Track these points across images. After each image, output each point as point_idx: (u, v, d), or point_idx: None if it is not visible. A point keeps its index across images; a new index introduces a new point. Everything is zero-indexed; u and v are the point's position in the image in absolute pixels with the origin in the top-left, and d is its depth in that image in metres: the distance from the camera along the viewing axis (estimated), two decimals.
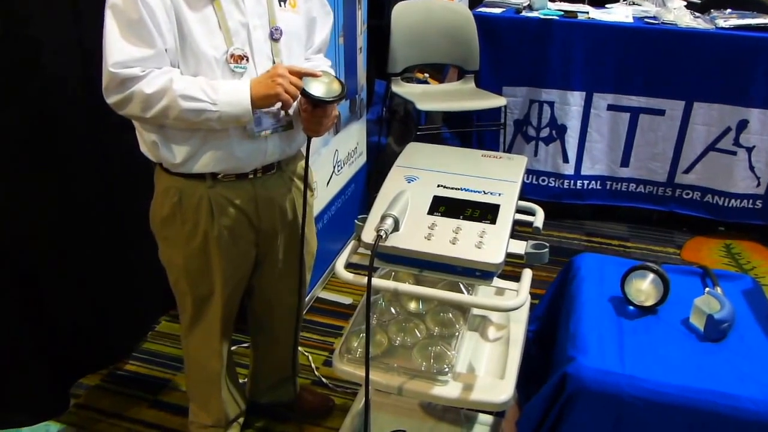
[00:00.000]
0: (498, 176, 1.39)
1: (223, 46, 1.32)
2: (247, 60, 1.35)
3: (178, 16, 1.27)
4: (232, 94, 1.30)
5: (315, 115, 1.40)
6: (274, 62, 1.40)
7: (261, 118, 1.39)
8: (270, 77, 1.32)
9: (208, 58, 1.31)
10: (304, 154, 1.51)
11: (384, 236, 1.21)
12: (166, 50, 1.27)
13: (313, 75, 1.36)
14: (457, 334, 1.45)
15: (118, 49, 1.23)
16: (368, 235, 1.23)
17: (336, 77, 1.40)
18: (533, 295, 1.24)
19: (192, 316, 1.61)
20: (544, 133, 3.25)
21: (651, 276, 1.48)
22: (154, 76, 1.25)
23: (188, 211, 1.45)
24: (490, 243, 1.21)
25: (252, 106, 1.32)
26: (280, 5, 1.41)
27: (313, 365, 2.20)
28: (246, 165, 1.44)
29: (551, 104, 3.17)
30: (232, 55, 1.33)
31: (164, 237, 1.52)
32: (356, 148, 2.87)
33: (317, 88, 1.35)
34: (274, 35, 1.40)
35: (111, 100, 1.29)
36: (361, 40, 2.73)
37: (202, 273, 1.53)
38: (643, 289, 1.48)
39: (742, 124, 2.99)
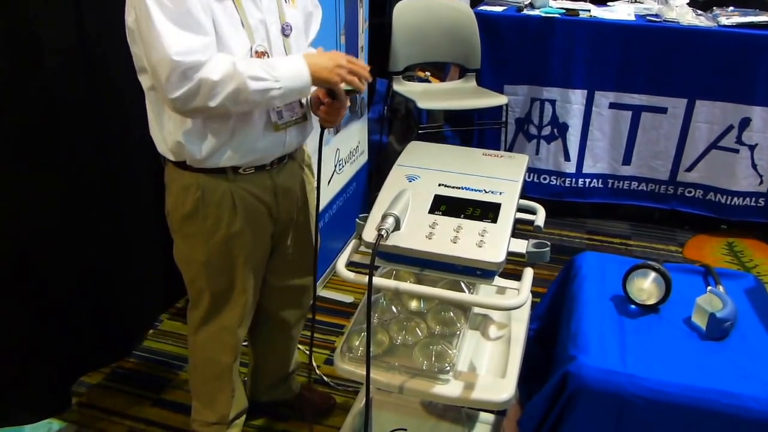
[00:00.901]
0: (499, 175, 1.39)
1: (247, 43, 1.34)
2: (267, 56, 1.38)
3: (212, 13, 1.28)
4: (290, 69, 1.33)
5: (334, 106, 1.44)
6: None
7: (282, 112, 1.43)
8: (332, 62, 1.35)
9: (236, 55, 1.32)
10: (312, 142, 1.53)
11: (385, 235, 1.20)
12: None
13: (367, 78, 1.40)
14: (458, 332, 1.45)
15: (177, 39, 1.20)
16: (369, 234, 1.23)
17: None
18: (534, 294, 1.24)
19: (207, 310, 1.61)
20: (546, 131, 3.25)
21: (653, 275, 1.48)
22: (217, 62, 1.24)
23: (211, 206, 1.46)
24: (491, 242, 1.21)
25: (311, 81, 1.34)
26: (285, 1, 1.44)
27: (314, 363, 2.21)
28: (267, 157, 1.47)
29: (553, 102, 3.17)
30: (256, 52, 1.35)
31: (185, 234, 1.52)
32: (358, 146, 2.87)
33: None
34: (285, 31, 1.42)
35: (176, 94, 1.23)
36: (363, 39, 2.72)
37: (224, 267, 1.54)
38: (645, 287, 1.48)
39: (745, 122, 2.98)
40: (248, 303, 1.63)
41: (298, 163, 1.60)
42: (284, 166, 1.54)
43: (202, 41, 1.24)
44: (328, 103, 1.44)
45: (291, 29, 1.43)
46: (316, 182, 1.65)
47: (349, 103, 1.48)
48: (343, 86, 1.38)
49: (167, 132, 1.40)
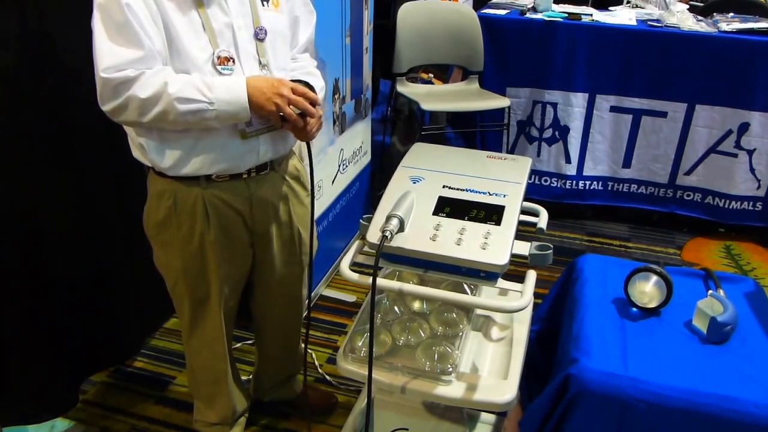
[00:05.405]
0: (503, 177, 1.40)
1: (209, 48, 1.31)
2: (234, 62, 1.34)
3: (165, 19, 1.25)
4: (228, 91, 1.28)
5: (296, 126, 1.37)
6: (260, 63, 1.38)
7: (252, 119, 1.38)
8: (271, 90, 1.30)
9: (195, 60, 1.29)
10: (296, 152, 1.50)
11: (389, 236, 1.21)
12: (156, 52, 1.25)
13: (314, 101, 1.36)
14: (460, 334, 1.46)
15: (108, 53, 1.21)
16: (373, 235, 1.24)
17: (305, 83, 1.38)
18: (534, 295, 1.25)
19: (190, 319, 1.61)
20: (547, 134, 3.26)
21: (654, 278, 1.49)
22: (147, 78, 1.22)
23: (183, 214, 1.44)
24: (495, 244, 1.22)
25: (249, 106, 1.30)
26: (263, 5, 1.39)
27: (316, 363, 2.22)
28: (240, 165, 1.43)
29: (554, 105, 3.18)
30: (218, 57, 1.31)
31: (161, 241, 1.50)
32: (361, 147, 2.88)
33: None
34: (259, 35, 1.37)
35: (107, 107, 1.26)
36: (368, 40, 2.74)
37: (200, 275, 1.52)
38: (647, 291, 1.50)
39: (744, 127, 2.99)
40: (228, 311, 1.63)
41: (280, 174, 1.54)
42: (264, 177, 1.49)
43: (135, 55, 1.21)
44: (284, 125, 1.38)
45: (266, 33, 1.38)
46: (306, 192, 1.61)
47: (320, 113, 1.40)
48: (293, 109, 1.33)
49: (132, 137, 1.40)
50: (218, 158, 1.39)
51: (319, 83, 1.52)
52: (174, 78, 1.25)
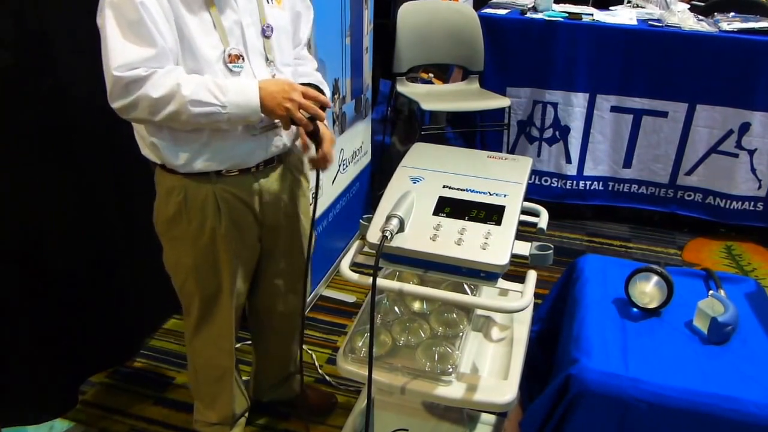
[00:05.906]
0: (503, 177, 1.40)
1: (220, 45, 1.32)
2: (243, 59, 1.36)
3: (177, 17, 1.26)
4: (240, 95, 1.30)
5: (316, 156, 1.43)
6: (267, 59, 1.41)
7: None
8: (282, 95, 1.32)
9: (207, 58, 1.31)
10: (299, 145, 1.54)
11: (389, 237, 1.21)
12: (168, 50, 1.26)
13: (325, 104, 1.39)
14: (460, 334, 1.46)
15: (121, 52, 1.21)
16: (374, 235, 1.23)
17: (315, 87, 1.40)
18: (535, 295, 1.25)
19: (199, 317, 1.61)
20: (548, 133, 3.26)
21: (655, 278, 1.49)
22: (159, 77, 1.23)
23: (194, 209, 1.45)
24: (496, 244, 1.22)
25: (260, 109, 1.32)
26: (268, 2, 1.41)
27: (316, 363, 2.21)
28: (250, 161, 1.45)
29: (555, 105, 3.18)
30: (229, 55, 1.33)
31: (171, 238, 1.51)
32: (361, 146, 2.88)
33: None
34: (266, 32, 1.40)
35: (116, 105, 1.26)
36: (368, 40, 2.74)
37: (211, 270, 1.53)
38: (647, 291, 1.49)
39: (745, 127, 2.99)
40: (238, 305, 1.63)
41: (288, 168, 1.57)
42: (272, 170, 1.52)
43: (147, 53, 1.22)
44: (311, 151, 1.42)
45: (272, 30, 1.41)
46: (307, 183, 1.64)
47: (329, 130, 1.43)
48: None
49: (143, 136, 1.41)
50: (229, 155, 1.41)
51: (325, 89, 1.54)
52: (186, 79, 1.26)
